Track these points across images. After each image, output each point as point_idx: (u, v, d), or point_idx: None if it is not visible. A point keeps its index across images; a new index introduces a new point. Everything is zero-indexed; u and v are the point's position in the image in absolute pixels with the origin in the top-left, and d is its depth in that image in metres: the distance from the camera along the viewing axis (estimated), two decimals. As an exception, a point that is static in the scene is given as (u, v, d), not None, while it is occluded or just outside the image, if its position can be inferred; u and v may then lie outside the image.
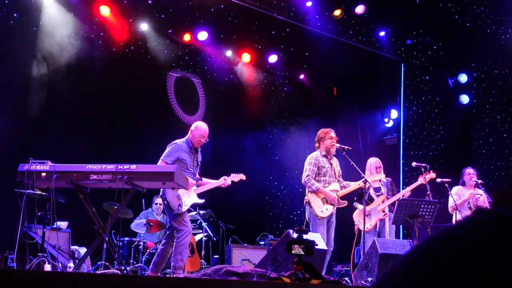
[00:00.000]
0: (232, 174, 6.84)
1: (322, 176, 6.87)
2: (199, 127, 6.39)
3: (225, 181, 6.69)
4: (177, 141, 6.37)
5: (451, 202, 7.58)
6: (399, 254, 5.92)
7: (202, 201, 6.47)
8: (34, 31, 8.67)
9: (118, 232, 7.43)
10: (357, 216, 7.29)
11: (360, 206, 7.16)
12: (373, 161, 7.51)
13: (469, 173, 7.70)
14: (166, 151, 6.30)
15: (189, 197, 6.28)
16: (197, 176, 6.49)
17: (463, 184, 7.72)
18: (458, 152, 9.96)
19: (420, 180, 7.14)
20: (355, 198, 7.32)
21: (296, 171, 10.82)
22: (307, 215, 6.86)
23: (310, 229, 6.71)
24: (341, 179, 7.04)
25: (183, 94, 10.77)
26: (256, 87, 11.30)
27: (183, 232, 6.19)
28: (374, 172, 7.38)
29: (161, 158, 6.29)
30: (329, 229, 6.83)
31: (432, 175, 7.18)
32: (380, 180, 7.42)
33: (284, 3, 9.87)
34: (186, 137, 6.41)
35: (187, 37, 9.97)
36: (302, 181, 6.91)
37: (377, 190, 7.38)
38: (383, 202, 7.25)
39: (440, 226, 7.74)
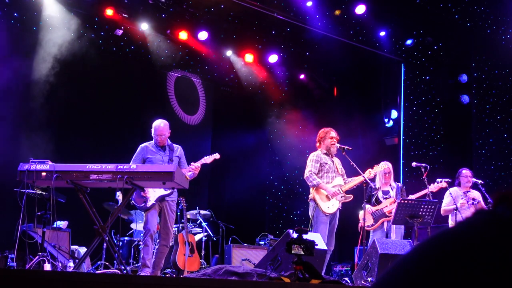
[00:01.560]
0: (204, 157, 6.64)
1: (325, 172, 6.88)
2: (153, 127, 6.50)
3: (191, 166, 6.39)
4: (144, 143, 6.53)
5: (444, 204, 7.62)
6: (399, 254, 5.92)
7: (169, 191, 6.25)
8: (35, 30, 8.67)
9: (118, 232, 7.44)
10: (362, 214, 7.31)
11: (367, 206, 7.17)
12: (383, 167, 7.46)
13: (466, 175, 7.69)
14: (134, 155, 6.44)
15: (154, 192, 6.20)
16: None
17: (459, 185, 7.72)
18: (458, 152, 9.96)
19: (431, 188, 7.12)
20: (365, 200, 7.31)
21: (296, 171, 10.83)
22: (310, 212, 6.83)
23: (313, 226, 6.70)
24: (344, 177, 7.06)
25: (183, 94, 10.76)
26: (256, 86, 11.30)
27: (144, 230, 6.26)
28: (382, 178, 7.39)
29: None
30: (332, 228, 6.83)
31: (443, 184, 7.18)
32: (390, 184, 7.44)
33: (284, 3, 9.87)
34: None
35: (183, 36, 9.94)
36: (304, 177, 6.91)
37: (385, 193, 7.40)
38: (390, 204, 7.25)
39: (440, 226, 7.75)
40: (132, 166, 5.37)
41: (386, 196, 7.37)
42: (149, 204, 6.17)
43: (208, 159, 6.59)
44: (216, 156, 6.65)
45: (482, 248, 0.57)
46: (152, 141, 6.52)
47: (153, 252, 6.42)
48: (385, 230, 7.28)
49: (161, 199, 6.22)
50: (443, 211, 7.63)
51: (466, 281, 0.56)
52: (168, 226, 6.28)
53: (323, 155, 6.97)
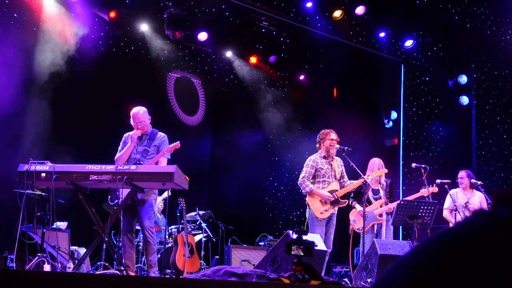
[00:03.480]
0: (166, 147, 6.13)
1: (321, 177, 6.90)
2: (131, 114, 6.21)
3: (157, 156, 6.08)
4: (128, 132, 6.34)
5: (445, 206, 7.71)
6: (399, 255, 5.91)
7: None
8: (34, 31, 8.67)
9: (118, 233, 7.43)
10: (353, 216, 7.31)
11: (358, 206, 7.18)
12: (376, 162, 7.51)
13: (461, 176, 7.81)
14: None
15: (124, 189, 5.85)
16: (144, 163, 6.04)
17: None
18: (457, 153, 9.96)
19: (422, 192, 7.14)
20: (352, 195, 7.32)
21: (296, 172, 10.80)
22: (307, 215, 6.90)
23: (309, 228, 6.73)
24: (345, 180, 7.05)
25: (183, 94, 10.76)
26: (256, 87, 11.30)
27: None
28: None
29: None
30: (328, 230, 6.85)
31: (434, 189, 7.19)
32: (380, 183, 7.44)
33: (284, 3, 9.87)
34: None
35: (183, 36, 9.93)
36: (298, 183, 6.95)
37: (375, 193, 7.39)
38: (381, 206, 7.26)
39: (440, 227, 7.77)
40: (132, 166, 5.36)
41: (376, 196, 7.37)
42: (121, 201, 5.84)
43: (170, 149, 6.11)
44: (177, 145, 6.06)
45: (482, 248, 0.57)
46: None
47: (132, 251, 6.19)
48: (375, 231, 7.30)
49: (131, 196, 5.78)
50: (444, 212, 7.72)
51: (466, 281, 0.56)
52: (142, 222, 5.97)
53: (320, 159, 6.98)
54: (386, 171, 7.36)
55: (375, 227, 7.28)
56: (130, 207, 5.93)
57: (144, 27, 9.62)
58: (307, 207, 6.90)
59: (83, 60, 8.90)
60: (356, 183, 6.93)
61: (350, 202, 7.30)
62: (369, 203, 7.30)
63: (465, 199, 7.65)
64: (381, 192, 7.40)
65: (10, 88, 8.20)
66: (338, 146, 6.98)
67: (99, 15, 9.10)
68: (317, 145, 7.13)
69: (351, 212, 7.36)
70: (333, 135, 7.04)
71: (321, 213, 6.74)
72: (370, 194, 7.34)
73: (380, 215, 7.26)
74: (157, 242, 8.18)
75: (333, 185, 6.89)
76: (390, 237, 7.31)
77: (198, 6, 9.58)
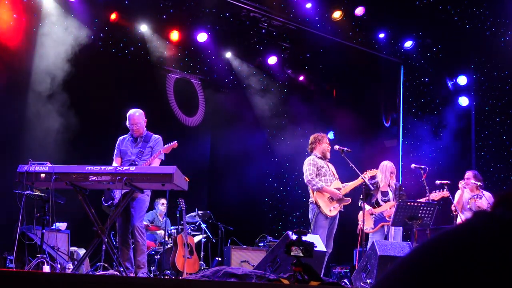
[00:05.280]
0: (164, 146, 6.18)
1: (322, 176, 6.94)
2: (127, 116, 6.28)
3: (147, 161, 6.12)
4: (122, 136, 6.45)
5: (455, 201, 7.71)
6: (398, 256, 5.92)
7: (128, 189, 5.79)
8: (34, 32, 8.66)
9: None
10: (361, 216, 7.30)
11: (367, 207, 7.17)
12: (388, 165, 7.45)
13: (467, 177, 7.75)
14: None
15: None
16: (139, 164, 6.06)
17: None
18: (457, 154, 9.96)
19: (432, 196, 7.10)
20: (361, 197, 7.29)
21: (295, 172, 10.82)
22: (310, 215, 6.87)
23: (312, 229, 6.74)
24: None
25: (183, 95, 10.76)
26: (256, 88, 11.30)
27: None
28: (388, 177, 7.36)
29: None
30: (331, 231, 6.87)
31: (445, 193, 7.16)
32: (389, 185, 7.41)
33: (284, 4, 9.88)
34: None
35: (183, 37, 9.90)
36: (305, 180, 6.92)
37: (384, 195, 7.38)
38: (390, 208, 7.24)
39: (440, 228, 7.76)
40: (131, 167, 5.36)
41: (385, 198, 7.36)
42: (115, 202, 5.87)
43: (167, 149, 6.12)
44: (174, 145, 6.11)
45: (482, 249, 0.58)
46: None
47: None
48: (385, 232, 7.29)
49: (124, 196, 5.67)
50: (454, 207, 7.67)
51: (466, 281, 0.56)
52: (132, 220, 5.96)
53: (318, 159, 7.02)
54: (374, 172, 7.35)
55: (385, 228, 7.27)
56: (124, 207, 5.89)
57: (144, 28, 9.61)
58: (313, 206, 6.87)
59: (83, 61, 8.90)
60: (354, 183, 6.97)
61: (359, 203, 7.28)
62: (378, 205, 7.30)
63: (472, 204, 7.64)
64: (390, 195, 7.37)
65: (10, 88, 8.20)
66: (337, 146, 7.01)
67: (99, 15, 9.09)
68: (311, 146, 7.16)
69: (360, 213, 7.35)
70: (327, 140, 7.15)
71: (330, 210, 6.78)
72: (379, 196, 7.34)
73: (389, 217, 7.23)
74: (157, 242, 8.20)
75: (336, 183, 6.97)
76: (399, 238, 7.29)
77: (198, 6, 9.57)
